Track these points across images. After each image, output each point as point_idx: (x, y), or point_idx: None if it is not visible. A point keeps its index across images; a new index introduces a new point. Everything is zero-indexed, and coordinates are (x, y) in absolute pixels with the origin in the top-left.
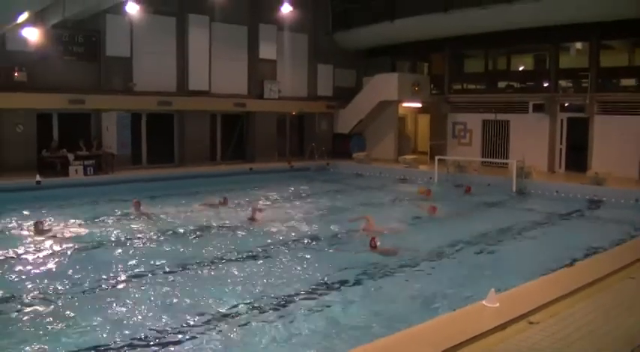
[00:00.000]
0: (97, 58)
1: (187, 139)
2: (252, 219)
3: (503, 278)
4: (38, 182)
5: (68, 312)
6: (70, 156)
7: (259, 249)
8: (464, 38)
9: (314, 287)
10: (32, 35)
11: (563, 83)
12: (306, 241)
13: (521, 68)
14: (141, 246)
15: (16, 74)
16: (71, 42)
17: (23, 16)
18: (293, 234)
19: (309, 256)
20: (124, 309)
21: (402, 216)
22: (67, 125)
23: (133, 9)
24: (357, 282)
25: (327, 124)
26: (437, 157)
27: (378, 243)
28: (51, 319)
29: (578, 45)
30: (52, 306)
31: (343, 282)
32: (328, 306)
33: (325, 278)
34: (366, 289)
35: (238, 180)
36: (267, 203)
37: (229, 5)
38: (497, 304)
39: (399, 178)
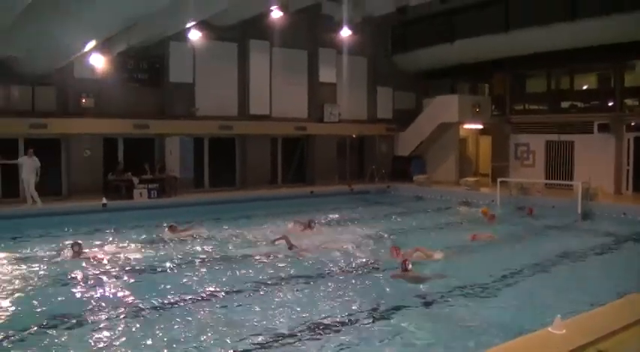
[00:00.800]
0: (160, 84)
1: (249, 163)
2: (290, 247)
3: (568, 305)
4: (104, 205)
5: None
6: (135, 180)
7: (309, 274)
8: (525, 58)
9: (348, 316)
10: (99, 62)
11: (629, 102)
12: (354, 267)
13: (584, 87)
14: (173, 271)
15: (83, 100)
16: (136, 69)
17: (91, 45)
18: (343, 259)
19: (353, 283)
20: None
21: (459, 239)
22: (131, 149)
23: (195, 36)
24: (405, 312)
25: (387, 147)
26: (499, 179)
27: (410, 266)
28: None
29: None
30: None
31: (389, 311)
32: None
33: (371, 306)
34: (413, 319)
35: (299, 203)
36: (326, 225)
37: (289, 30)
38: (564, 331)
39: (460, 201)
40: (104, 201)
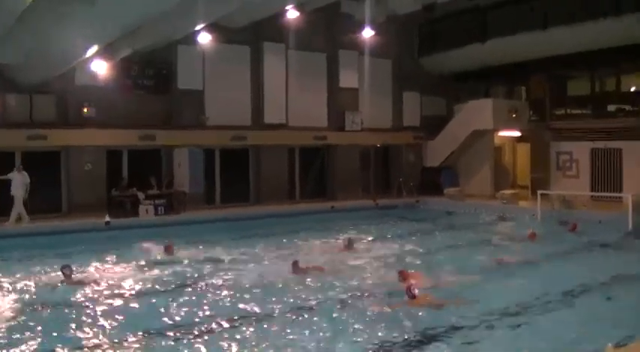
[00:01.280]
0: (167, 92)
1: (264, 176)
2: (297, 271)
3: (618, 332)
4: (107, 222)
5: None
6: (141, 195)
7: (320, 300)
8: (566, 57)
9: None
10: (101, 69)
11: None
12: (370, 292)
13: (633, 89)
14: (172, 296)
15: (85, 110)
16: (141, 75)
17: (92, 50)
18: (360, 284)
19: (369, 312)
20: None
21: (493, 259)
22: (136, 162)
23: (205, 39)
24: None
25: (415, 157)
26: (539, 192)
27: (416, 291)
28: None
29: None
30: None
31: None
32: None
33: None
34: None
35: (319, 219)
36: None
37: (306, 31)
38: None
39: (496, 216)
40: (107, 218)
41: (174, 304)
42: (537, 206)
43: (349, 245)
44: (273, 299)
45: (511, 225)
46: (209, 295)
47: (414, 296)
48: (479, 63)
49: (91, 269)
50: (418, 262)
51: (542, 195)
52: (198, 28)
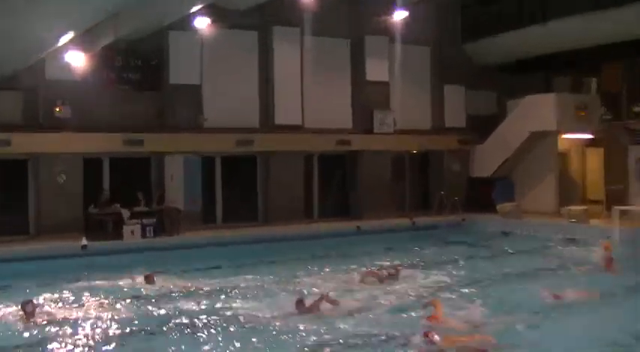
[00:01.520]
0: (158, 87)
1: (274, 189)
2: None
3: None
4: (84, 246)
5: None
6: (125, 213)
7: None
8: None
9: None
10: (77, 60)
11: None
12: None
13: None
14: (156, 339)
15: (57, 109)
16: (126, 67)
17: (67, 37)
18: (388, 325)
19: None
20: None
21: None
22: (120, 173)
23: (203, 24)
24: None
25: (461, 165)
26: (616, 207)
27: (436, 337)
28: None
29: None
30: None
31: None
32: None
33: None
34: None
35: (342, 242)
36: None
37: (326, 13)
38: None
39: (562, 238)
40: (84, 241)
41: (153, 348)
42: (615, 225)
43: (395, 275)
44: (273, 343)
45: (581, 249)
46: (194, 337)
47: (432, 341)
48: (538, 49)
49: (60, 304)
50: (460, 296)
51: (620, 211)
52: (194, 9)
